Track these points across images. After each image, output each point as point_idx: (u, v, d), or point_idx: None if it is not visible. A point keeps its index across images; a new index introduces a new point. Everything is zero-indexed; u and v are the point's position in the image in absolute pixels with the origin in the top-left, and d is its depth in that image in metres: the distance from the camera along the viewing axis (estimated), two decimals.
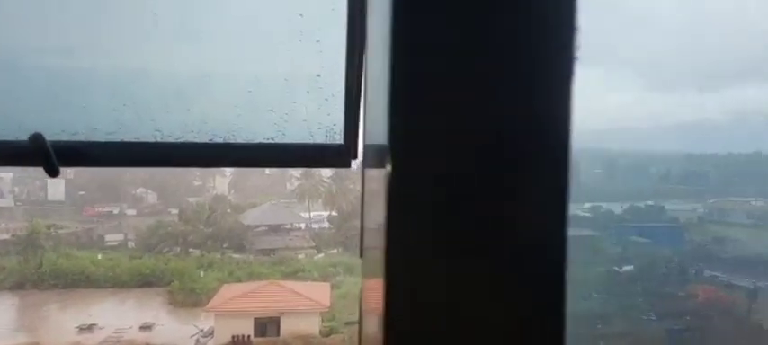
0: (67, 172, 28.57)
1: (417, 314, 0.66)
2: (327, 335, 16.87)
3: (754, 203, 14.73)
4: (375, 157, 0.89)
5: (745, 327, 12.52)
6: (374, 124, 0.94)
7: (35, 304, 19.69)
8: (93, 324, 17.66)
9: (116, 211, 29.14)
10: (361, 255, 1.19)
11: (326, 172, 28.51)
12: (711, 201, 15.06)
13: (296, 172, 30.62)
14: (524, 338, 0.66)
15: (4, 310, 19.26)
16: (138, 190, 31.07)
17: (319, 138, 1.33)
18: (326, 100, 1.31)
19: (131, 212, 29.38)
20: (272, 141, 1.29)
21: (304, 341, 16.18)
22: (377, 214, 0.80)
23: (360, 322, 1.23)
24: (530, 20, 0.65)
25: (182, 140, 1.24)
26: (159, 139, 1.23)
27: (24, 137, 1.15)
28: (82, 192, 29.47)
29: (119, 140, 1.21)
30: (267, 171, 33.58)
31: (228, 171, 32.77)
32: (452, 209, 0.66)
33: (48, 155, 1.15)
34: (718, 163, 14.89)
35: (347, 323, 17.57)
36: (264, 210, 28.66)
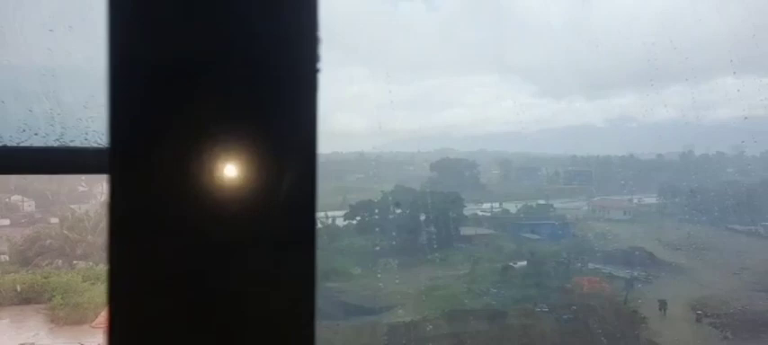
0: None
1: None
2: None
3: (628, 200, 16.28)
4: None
5: (623, 313, 13.75)
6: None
7: None
8: None
9: None
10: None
11: None
12: (594, 199, 16.45)
13: None
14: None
15: None
16: (11, 198, 28.03)
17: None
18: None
19: (4, 222, 26.45)
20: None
21: None
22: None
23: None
24: (270, 30, 0.62)
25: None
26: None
27: None
28: None
29: None
30: None
31: None
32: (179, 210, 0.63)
33: None
34: (598, 164, 16.33)
35: None
36: None
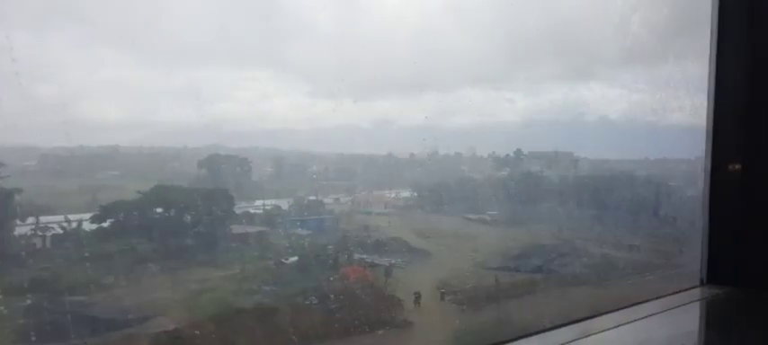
0: None
1: None
2: None
3: (388, 195, 17.94)
4: None
5: (383, 297, 15.11)
6: None
7: None
8: None
9: None
10: None
11: None
12: (359, 195, 17.69)
13: None
14: None
15: None
16: None
17: None
18: None
19: None
20: None
21: None
22: None
23: None
24: None
25: None
26: None
27: None
28: None
29: None
30: None
31: None
32: None
33: None
34: (363, 162, 17.63)
35: None
36: None
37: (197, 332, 12.92)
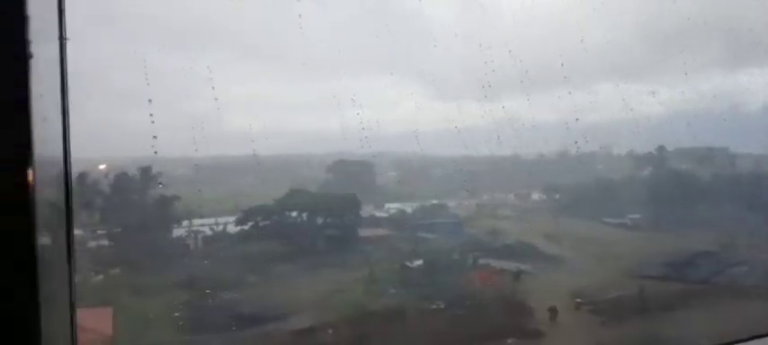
0: None
1: None
2: None
3: (515, 198, 17.29)
4: None
5: (512, 303, 14.56)
6: None
7: None
8: None
9: None
10: None
11: (103, 184, 25.18)
12: (484, 198, 17.28)
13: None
14: None
15: None
16: None
17: None
18: None
19: None
20: None
21: None
22: None
23: None
24: None
25: None
26: None
27: None
28: None
29: None
30: None
31: None
32: None
33: None
34: (489, 163, 17.18)
35: None
36: None
37: (329, 331, 13.45)
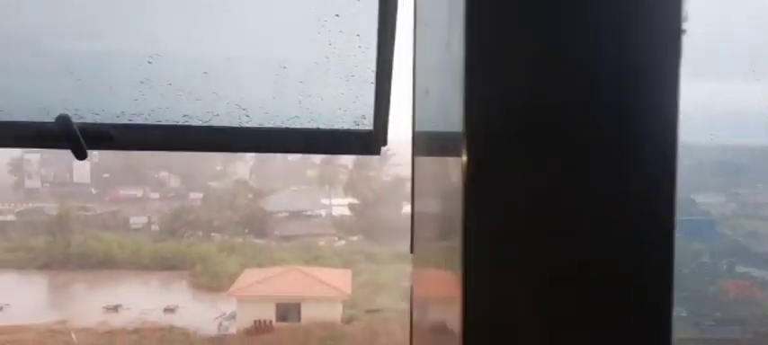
0: (92, 155, 29.09)
1: (497, 306, 0.61)
2: (348, 322, 16.90)
3: None
4: (435, 145, 0.83)
5: None
6: (433, 111, 0.85)
7: (63, 283, 20.13)
8: (119, 305, 17.98)
9: (140, 194, 29.54)
10: (412, 248, 1.18)
11: (346, 160, 28.54)
12: (744, 193, 14.66)
13: (316, 159, 30.70)
14: (619, 335, 0.62)
15: (33, 289, 19.72)
16: (161, 174, 31.45)
17: (347, 125, 1.27)
18: (350, 85, 1.24)
19: (154, 195, 29.79)
20: (299, 126, 1.24)
21: (325, 328, 16.23)
22: (438, 204, 0.77)
23: (411, 313, 1.18)
24: (630, 9, 0.59)
25: (209, 124, 1.20)
26: (186, 123, 1.19)
27: (50, 119, 1.12)
28: (106, 175, 29.90)
29: (145, 123, 1.18)
30: (289, 157, 33.74)
31: (250, 156, 33.02)
32: (537, 202, 0.60)
33: (76, 138, 1.12)
34: (753, 154, 14.44)
35: (368, 311, 17.58)
36: (285, 196, 28.82)
37: None
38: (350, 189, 27.90)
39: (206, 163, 32.62)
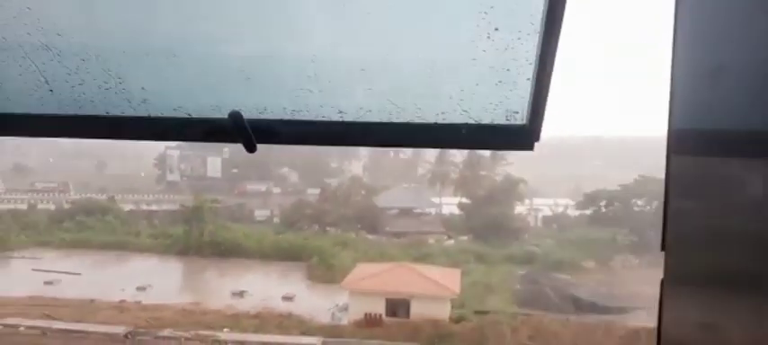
0: (223, 151, 31.62)
1: None
2: (457, 322, 16.75)
3: None
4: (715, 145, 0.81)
5: None
6: (710, 108, 0.84)
7: (197, 269, 22.19)
8: (244, 291, 19.43)
9: (263, 189, 31.60)
10: (663, 247, 1.12)
11: (458, 158, 28.23)
12: None
13: (429, 156, 30.76)
14: None
15: (171, 273, 21.97)
16: (282, 170, 33.37)
17: (499, 119, 1.26)
18: (505, 79, 1.22)
19: (276, 190, 31.67)
20: (450, 122, 1.24)
21: (433, 326, 16.24)
22: (701, 207, 0.77)
23: (660, 317, 1.17)
24: None
25: (362, 120, 1.25)
26: (341, 119, 1.25)
27: (222, 116, 1.22)
28: (235, 170, 32.35)
29: (305, 119, 1.25)
30: (401, 154, 34.17)
31: (364, 153, 33.91)
32: None
33: (247, 133, 1.22)
34: None
35: (477, 312, 17.24)
36: (397, 193, 29.25)
37: None
38: (461, 187, 27.64)
39: (322, 159, 34.03)
